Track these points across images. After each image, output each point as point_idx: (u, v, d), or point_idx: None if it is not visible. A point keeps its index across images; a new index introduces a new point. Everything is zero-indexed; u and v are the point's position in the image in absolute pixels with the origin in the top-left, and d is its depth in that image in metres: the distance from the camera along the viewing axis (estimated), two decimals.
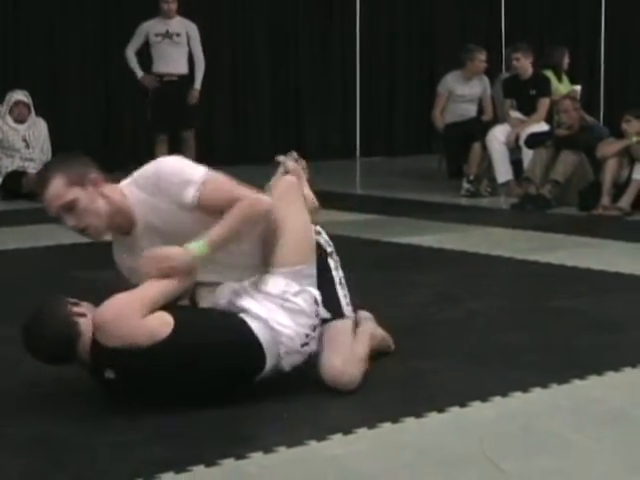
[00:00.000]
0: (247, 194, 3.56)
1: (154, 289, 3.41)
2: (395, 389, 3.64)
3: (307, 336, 3.53)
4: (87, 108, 11.66)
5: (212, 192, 3.52)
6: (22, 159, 9.71)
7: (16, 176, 9.56)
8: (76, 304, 3.44)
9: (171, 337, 3.33)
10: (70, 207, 3.48)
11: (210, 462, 2.96)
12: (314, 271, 3.64)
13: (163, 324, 3.35)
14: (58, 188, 3.46)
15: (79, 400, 3.57)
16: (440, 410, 3.42)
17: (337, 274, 3.77)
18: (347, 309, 3.72)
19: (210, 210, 3.52)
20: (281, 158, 3.99)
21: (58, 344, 3.39)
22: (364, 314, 4.04)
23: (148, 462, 3.00)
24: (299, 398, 3.53)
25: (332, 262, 3.79)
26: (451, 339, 4.41)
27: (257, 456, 3.03)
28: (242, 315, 3.48)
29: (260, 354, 3.46)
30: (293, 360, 3.52)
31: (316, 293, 3.59)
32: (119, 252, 3.72)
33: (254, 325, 3.46)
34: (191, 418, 3.35)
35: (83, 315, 3.40)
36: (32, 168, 9.64)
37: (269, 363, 3.47)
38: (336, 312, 3.67)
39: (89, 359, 3.40)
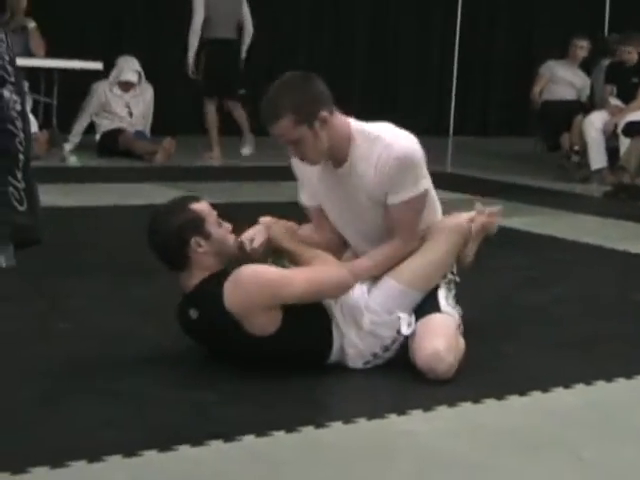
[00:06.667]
0: (414, 236, 3.67)
1: (302, 287, 3.41)
2: (478, 370, 3.62)
3: (374, 355, 3.56)
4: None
5: (407, 212, 3.63)
6: (121, 121, 9.80)
7: (113, 134, 9.67)
8: (202, 234, 3.45)
9: (267, 338, 3.40)
10: (294, 143, 3.49)
11: (290, 428, 2.99)
12: (420, 298, 3.65)
13: (273, 324, 3.39)
14: (286, 127, 3.43)
15: (163, 360, 3.63)
16: (522, 393, 3.40)
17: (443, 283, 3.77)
18: (446, 308, 3.67)
19: (389, 216, 3.64)
20: (480, 208, 4.05)
21: (165, 251, 3.48)
22: None
23: (228, 423, 3.05)
24: (383, 372, 3.55)
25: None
26: (536, 324, 4.38)
27: (336, 425, 3.05)
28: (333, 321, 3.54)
29: (325, 355, 3.54)
30: (355, 365, 3.57)
31: (404, 324, 3.56)
32: (310, 172, 3.71)
33: (335, 333, 3.53)
34: (274, 384, 3.38)
35: (200, 253, 3.44)
36: (130, 127, 9.75)
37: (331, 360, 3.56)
38: (433, 308, 3.64)
39: (187, 291, 3.47)
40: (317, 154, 3.54)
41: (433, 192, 3.81)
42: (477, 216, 4.00)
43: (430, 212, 3.78)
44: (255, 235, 3.62)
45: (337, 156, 3.59)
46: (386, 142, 3.56)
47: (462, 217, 3.87)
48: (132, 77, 9.75)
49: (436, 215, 3.85)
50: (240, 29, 9.84)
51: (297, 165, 3.77)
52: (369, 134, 3.59)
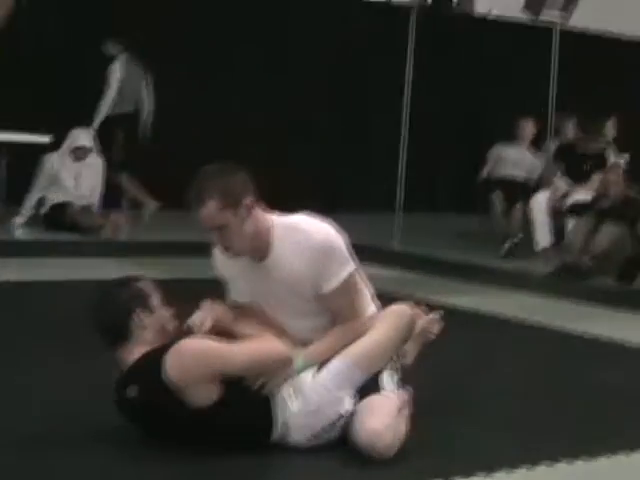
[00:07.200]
0: (360, 315, 3.76)
1: (243, 361, 3.45)
2: (422, 452, 3.61)
3: (316, 432, 3.55)
4: None
5: (344, 294, 3.69)
6: (69, 194, 9.73)
7: (60, 207, 9.59)
8: (146, 309, 3.50)
9: (204, 410, 3.38)
10: (219, 228, 3.55)
11: None
12: (364, 378, 3.66)
13: (212, 396, 3.39)
14: (212, 211, 3.51)
15: (108, 438, 3.58)
16: (466, 475, 3.38)
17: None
18: (388, 390, 3.70)
19: (326, 304, 3.70)
20: (422, 313, 4.14)
21: (107, 323, 3.50)
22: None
23: None
24: (325, 454, 3.52)
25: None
26: (482, 404, 4.39)
27: None
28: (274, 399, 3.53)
29: (268, 431, 3.51)
30: (298, 444, 3.54)
31: (346, 404, 3.57)
32: (232, 267, 3.74)
33: (276, 407, 3.52)
34: (215, 466, 3.35)
35: (143, 327, 3.47)
36: (77, 201, 9.69)
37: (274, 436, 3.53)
38: (375, 390, 3.67)
39: (125, 367, 3.46)
40: (242, 242, 3.59)
41: (358, 276, 3.86)
42: (419, 319, 4.08)
43: (360, 296, 3.85)
44: (203, 319, 3.65)
45: (259, 248, 3.65)
46: (305, 231, 3.66)
47: (406, 306, 3.94)
48: (87, 142, 9.73)
49: (366, 299, 3.91)
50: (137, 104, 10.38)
51: (220, 267, 3.81)
52: (288, 226, 3.68)
